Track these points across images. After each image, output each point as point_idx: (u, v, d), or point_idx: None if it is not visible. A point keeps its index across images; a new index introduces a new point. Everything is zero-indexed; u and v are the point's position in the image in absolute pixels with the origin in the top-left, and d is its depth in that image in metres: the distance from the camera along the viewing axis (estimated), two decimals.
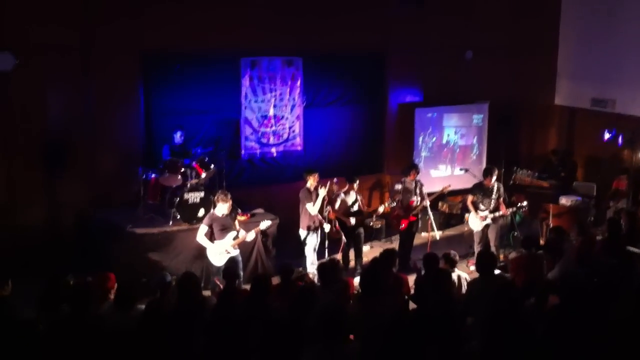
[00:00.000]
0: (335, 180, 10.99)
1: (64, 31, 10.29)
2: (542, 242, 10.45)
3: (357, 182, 10.56)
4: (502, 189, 10.81)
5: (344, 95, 12.79)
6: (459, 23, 13.26)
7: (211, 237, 9.13)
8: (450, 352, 5.28)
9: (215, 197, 9.23)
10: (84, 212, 10.64)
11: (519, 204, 10.98)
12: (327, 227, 10.13)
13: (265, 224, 9.45)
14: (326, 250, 10.31)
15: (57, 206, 10.63)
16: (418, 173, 10.87)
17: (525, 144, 14.69)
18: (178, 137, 10.60)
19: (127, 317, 6.17)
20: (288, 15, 11.66)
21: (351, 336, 5.77)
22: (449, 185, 11.21)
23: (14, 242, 10.13)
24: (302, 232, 10.17)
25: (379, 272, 7.03)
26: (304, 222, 10.14)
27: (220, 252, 9.04)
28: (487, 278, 7.18)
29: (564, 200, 12.22)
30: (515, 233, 11.73)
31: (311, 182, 10.10)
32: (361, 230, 10.52)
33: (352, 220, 10.30)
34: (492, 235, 10.74)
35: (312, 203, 9.97)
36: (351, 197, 10.44)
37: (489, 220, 10.65)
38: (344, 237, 10.36)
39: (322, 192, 9.97)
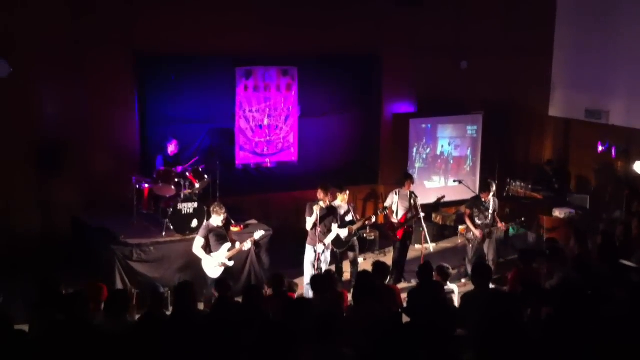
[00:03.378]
0: None
1: (58, 34, 10.31)
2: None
3: (347, 192, 10.34)
4: (496, 203, 10.74)
5: (339, 105, 12.79)
6: (454, 30, 13.26)
7: (206, 248, 9.04)
8: None
9: (211, 208, 9.16)
10: (78, 217, 10.60)
11: (517, 219, 10.92)
12: (319, 248, 9.80)
13: (259, 234, 9.36)
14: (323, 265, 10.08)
15: (50, 210, 10.62)
16: (413, 183, 10.81)
17: (520, 154, 14.67)
18: (172, 147, 10.56)
19: (117, 326, 6.09)
20: (284, 21, 11.67)
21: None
22: (444, 196, 11.14)
23: (8, 245, 10.13)
24: (306, 246, 9.87)
25: (371, 282, 7.00)
26: (309, 237, 9.84)
27: (216, 264, 8.95)
28: (482, 290, 7.14)
29: (558, 213, 12.21)
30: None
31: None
32: (355, 240, 10.40)
33: (345, 232, 10.17)
34: (489, 250, 10.63)
35: (311, 218, 9.60)
36: (343, 208, 10.32)
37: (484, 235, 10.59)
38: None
39: (316, 209, 9.55)
